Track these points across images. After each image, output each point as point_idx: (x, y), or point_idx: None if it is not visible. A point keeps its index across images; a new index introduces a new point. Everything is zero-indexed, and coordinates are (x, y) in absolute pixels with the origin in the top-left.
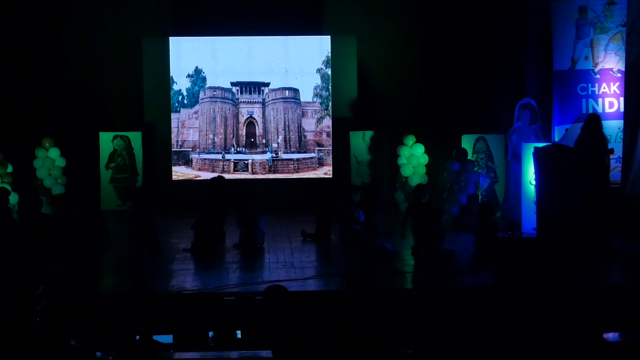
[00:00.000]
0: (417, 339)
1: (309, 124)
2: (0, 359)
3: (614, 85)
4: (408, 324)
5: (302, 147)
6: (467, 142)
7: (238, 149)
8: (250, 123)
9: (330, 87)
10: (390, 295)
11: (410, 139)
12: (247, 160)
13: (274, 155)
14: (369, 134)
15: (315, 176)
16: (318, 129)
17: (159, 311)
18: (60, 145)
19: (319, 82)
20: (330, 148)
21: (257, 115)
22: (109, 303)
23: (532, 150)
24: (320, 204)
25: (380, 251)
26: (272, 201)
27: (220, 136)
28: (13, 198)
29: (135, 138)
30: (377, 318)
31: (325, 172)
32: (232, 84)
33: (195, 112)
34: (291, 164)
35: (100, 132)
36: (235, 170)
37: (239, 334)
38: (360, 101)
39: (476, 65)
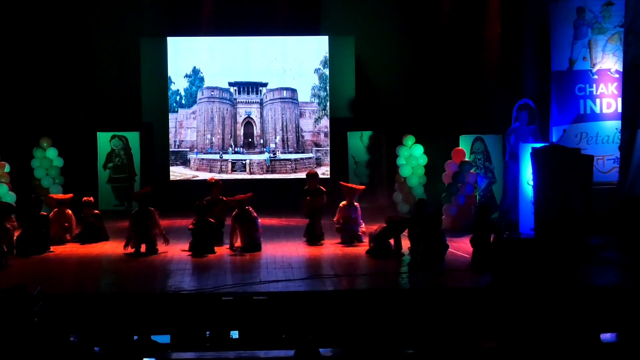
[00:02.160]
0: (416, 339)
1: (306, 124)
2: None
3: (611, 85)
4: (407, 324)
5: (299, 147)
6: (465, 143)
7: (236, 149)
8: (248, 123)
9: (328, 88)
10: (387, 295)
11: (409, 140)
12: (245, 160)
13: (271, 155)
14: (367, 134)
15: None
16: (316, 129)
17: (156, 311)
18: (58, 145)
19: (316, 82)
20: (328, 148)
21: (255, 115)
22: (107, 303)
23: (529, 150)
24: (309, 198)
25: (383, 248)
26: (270, 201)
27: (218, 136)
28: (11, 198)
29: (133, 138)
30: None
31: (323, 172)
32: (230, 84)
33: (193, 112)
34: (289, 164)
35: (98, 132)
36: (233, 170)
37: (236, 334)
38: (358, 101)
39: (474, 66)
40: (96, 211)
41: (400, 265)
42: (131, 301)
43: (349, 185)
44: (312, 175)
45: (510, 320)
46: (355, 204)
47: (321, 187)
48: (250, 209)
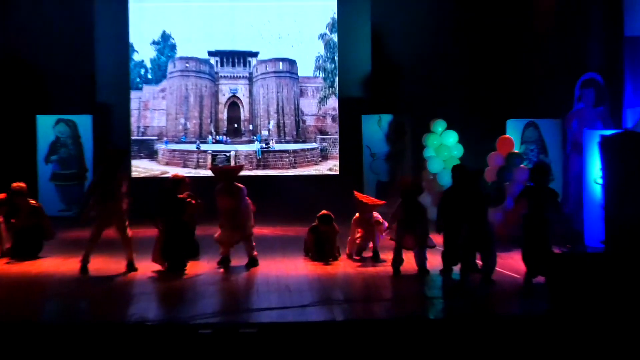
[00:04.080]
0: None
1: (309, 106)
2: None
3: None
4: None
5: (300, 135)
6: (514, 129)
7: (217, 137)
8: (234, 104)
9: (336, 58)
10: (415, 326)
11: (439, 125)
12: (229, 152)
13: (263, 145)
14: (386, 118)
15: (317, 172)
16: (321, 112)
17: (114, 347)
18: None
19: (322, 51)
20: (337, 136)
21: (243, 94)
22: (52, 336)
23: (597, 139)
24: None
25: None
26: (262, 205)
27: (194, 121)
28: None
29: (84, 123)
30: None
31: (330, 167)
32: (210, 53)
33: (162, 90)
34: (286, 157)
35: (37, 115)
36: (214, 164)
37: None
38: (375, 76)
39: (525, 33)
40: (33, 202)
41: (430, 288)
42: (82, 334)
43: (364, 198)
44: (325, 220)
45: (573, 358)
46: (374, 215)
47: (334, 226)
48: (240, 185)
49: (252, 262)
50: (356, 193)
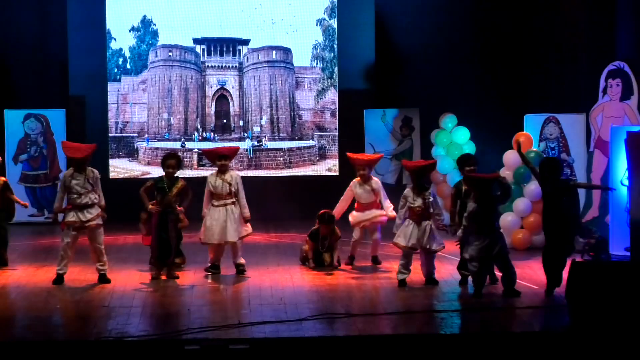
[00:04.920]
0: None
1: (305, 99)
2: None
3: None
4: None
5: (295, 131)
6: (532, 125)
7: (204, 134)
8: (222, 97)
9: (336, 47)
10: (425, 343)
11: (449, 121)
12: None
13: (255, 143)
14: (391, 113)
15: (314, 173)
16: (319, 106)
17: None
18: None
19: (320, 38)
20: (336, 133)
21: (232, 86)
22: (22, 354)
23: (624, 135)
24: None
25: None
26: (254, 209)
27: (178, 116)
28: None
29: (57, 118)
30: None
31: (329, 167)
32: (196, 41)
33: (143, 82)
34: (280, 156)
35: (5, 110)
36: (200, 164)
37: None
38: (379, 66)
39: (545, 17)
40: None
41: (439, 300)
42: (56, 351)
43: (358, 156)
44: (326, 219)
45: None
46: (374, 180)
47: (336, 229)
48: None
49: (240, 271)
50: (349, 154)
